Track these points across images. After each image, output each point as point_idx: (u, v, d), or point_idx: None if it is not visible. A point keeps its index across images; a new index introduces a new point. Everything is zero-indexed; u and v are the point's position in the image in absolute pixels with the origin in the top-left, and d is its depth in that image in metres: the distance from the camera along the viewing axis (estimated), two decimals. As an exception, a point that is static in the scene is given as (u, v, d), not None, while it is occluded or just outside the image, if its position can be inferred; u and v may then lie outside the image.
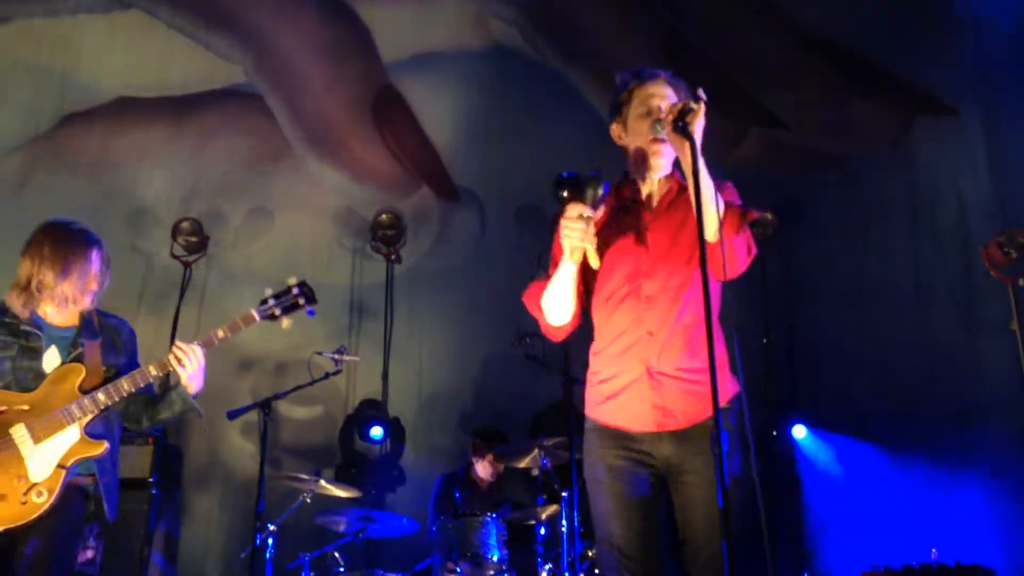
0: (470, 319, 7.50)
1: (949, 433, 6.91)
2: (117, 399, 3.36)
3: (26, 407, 3.29)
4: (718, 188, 2.68)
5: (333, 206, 7.84)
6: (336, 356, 5.06)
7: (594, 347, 2.99)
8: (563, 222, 2.73)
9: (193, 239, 7.28)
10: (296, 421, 7.25)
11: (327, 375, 5.21)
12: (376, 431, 6.86)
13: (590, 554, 5.32)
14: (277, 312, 3.54)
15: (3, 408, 3.28)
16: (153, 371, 3.40)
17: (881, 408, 7.03)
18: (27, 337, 3.40)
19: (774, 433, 6.79)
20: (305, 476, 5.48)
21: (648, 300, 2.84)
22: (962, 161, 7.47)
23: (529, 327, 5.63)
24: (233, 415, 5.02)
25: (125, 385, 3.36)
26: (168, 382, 3.55)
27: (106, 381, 3.41)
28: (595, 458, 2.87)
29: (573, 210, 2.71)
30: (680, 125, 2.58)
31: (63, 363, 3.41)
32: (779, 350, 7.12)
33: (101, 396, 3.33)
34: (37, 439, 3.26)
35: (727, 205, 2.71)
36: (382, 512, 5.86)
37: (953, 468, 6.62)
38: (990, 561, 5.48)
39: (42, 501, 3.20)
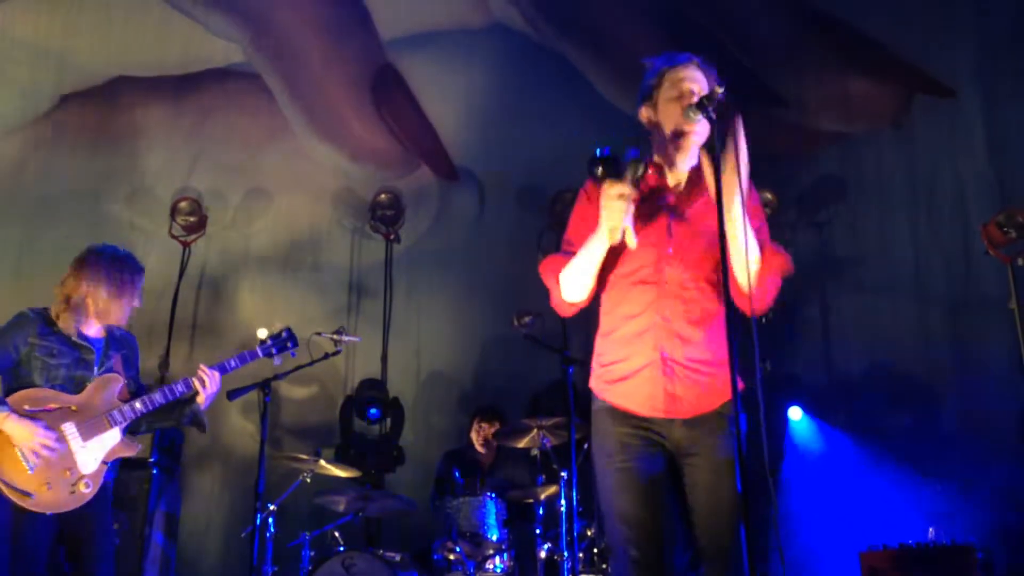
0: (469, 299, 7.51)
1: (947, 411, 6.94)
2: (150, 408, 3.86)
3: (74, 408, 3.74)
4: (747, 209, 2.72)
5: (332, 186, 7.83)
6: (335, 336, 5.07)
7: (604, 328, 2.96)
8: (604, 202, 2.69)
9: (192, 219, 7.27)
10: (296, 401, 7.27)
11: (326, 355, 5.21)
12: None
13: (589, 533, 5.35)
14: (273, 352, 4.33)
15: (55, 406, 3.70)
16: (181, 388, 3.92)
17: (879, 386, 7.06)
18: (80, 349, 3.85)
19: (774, 415, 6.80)
20: (305, 456, 5.49)
21: (667, 287, 2.84)
22: (960, 141, 7.46)
23: (528, 307, 5.65)
24: (233, 395, 5.02)
25: (157, 397, 3.87)
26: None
27: (131, 391, 3.93)
28: (605, 435, 2.86)
29: (614, 189, 2.67)
30: (708, 110, 2.61)
31: (99, 372, 3.87)
32: (777, 330, 7.13)
33: (138, 405, 3.83)
34: (85, 437, 3.72)
35: (767, 248, 2.81)
36: (381, 492, 5.88)
37: (950, 446, 6.65)
38: (984, 541, 5.51)
39: (88, 491, 3.69)
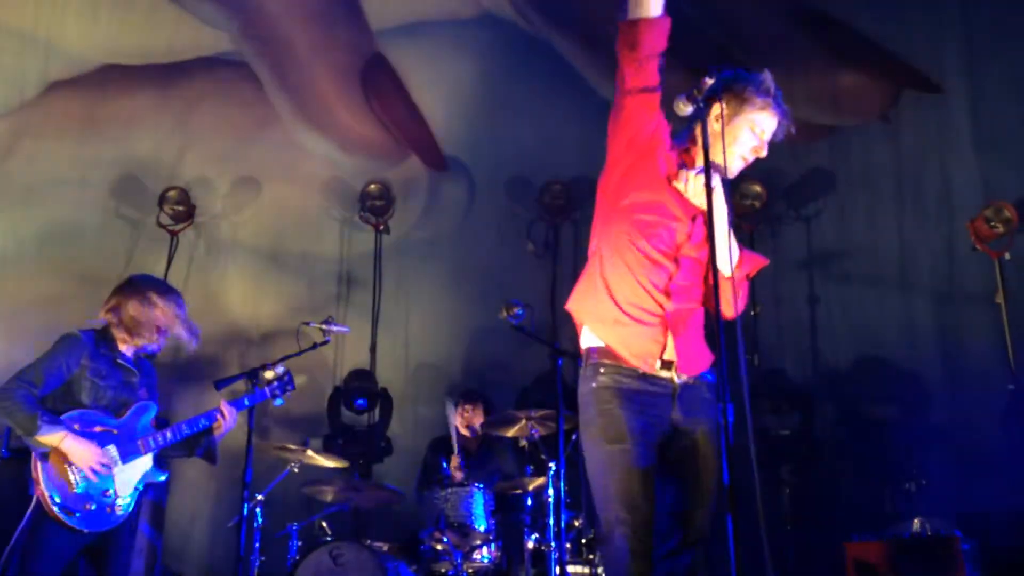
0: (458, 290, 7.50)
1: (932, 403, 6.98)
2: (178, 438, 4.05)
3: (115, 431, 3.89)
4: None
5: (321, 176, 7.81)
6: (324, 326, 5.05)
7: (614, 275, 2.95)
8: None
9: (180, 208, 7.25)
10: (284, 391, 7.24)
11: (315, 345, 5.19)
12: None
13: (576, 524, 5.36)
14: (277, 393, 4.61)
15: (100, 429, 3.84)
16: (203, 422, 4.12)
17: (865, 378, 7.09)
18: (126, 372, 4.03)
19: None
20: (293, 446, 5.48)
21: (683, 259, 2.94)
22: (947, 136, 7.49)
23: (518, 298, 5.65)
24: (221, 385, 4.99)
25: (184, 428, 4.06)
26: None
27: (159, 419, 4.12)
28: (608, 416, 2.84)
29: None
30: (698, 100, 2.74)
31: (139, 398, 4.04)
32: (766, 321, 7.16)
33: (169, 435, 4.02)
34: (124, 460, 3.87)
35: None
36: (369, 482, 5.88)
37: (936, 438, 6.68)
38: (970, 532, 5.54)
39: (123, 514, 3.85)
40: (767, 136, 2.97)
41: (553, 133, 7.64)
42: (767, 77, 3.01)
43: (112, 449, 3.84)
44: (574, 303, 3.05)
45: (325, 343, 5.20)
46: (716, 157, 2.88)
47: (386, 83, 7.93)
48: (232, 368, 6.90)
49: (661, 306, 2.90)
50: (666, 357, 2.87)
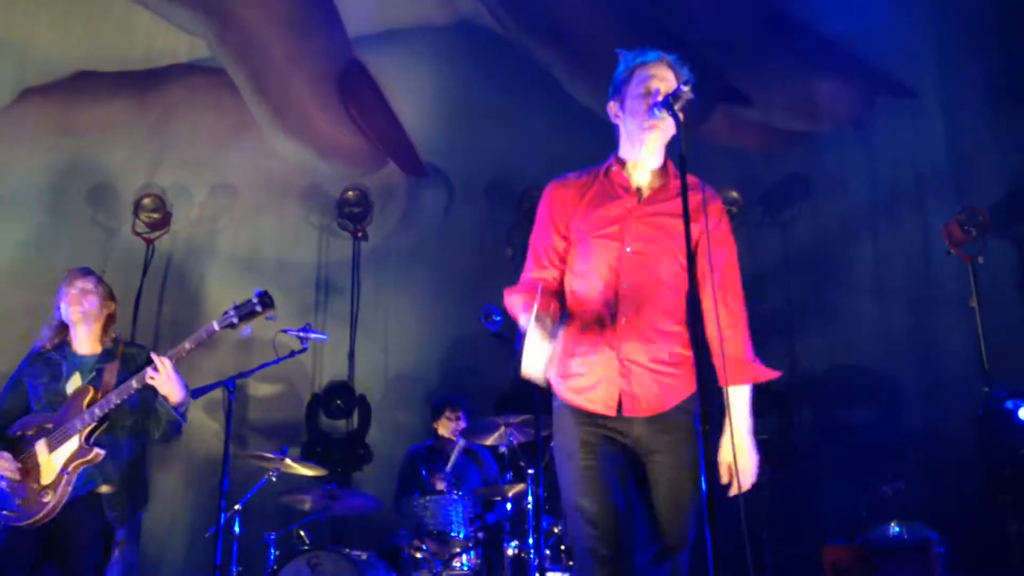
0: (437, 297, 7.50)
1: (907, 408, 7.04)
2: (108, 410, 3.83)
3: (48, 425, 3.89)
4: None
5: (299, 182, 7.78)
6: (302, 334, 5.02)
7: (566, 330, 2.93)
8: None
9: (155, 215, 7.19)
10: (262, 399, 7.22)
11: (293, 353, 5.16)
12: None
13: (556, 531, 5.36)
14: (235, 320, 3.97)
15: (33, 430, 3.90)
16: (135, 384, 3.84)
17: (841, 383, 7.14)
18: (51, 365, 4.03)
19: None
20: (270, 455, 5.45)
21: (625, 289, 2.84)
22: (921, 141, 7.57)
23: (496, 304, 5.65)
24: (197, 393, 4.95)
25: (114, 398, 3.83)
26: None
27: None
28: (567, 433, 2.87)
29: None
30: (668, 104, 2.62)
31: (86, 384, 3.95)
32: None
33: (96, 410, 3.83)
34: (52, 450, 3.83)
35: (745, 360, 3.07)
36: (348, 490, 5.85)
37: (911, 442, 6.74)
38: (945, 536, 5.58)
39: (48, 500, 3.77)
40: (657, 84, 2.86)
41: (531, 138, 7.66)
42: (627, 54, 3.00)
43: (39, 444, 3.86)
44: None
45: (303, 351, 5.16)
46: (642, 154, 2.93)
47: (363, 89, 7.93)
48: (209, 376, 6.85)
49: (614, 348, 2.82)
50: (625, 403, 2.82)
